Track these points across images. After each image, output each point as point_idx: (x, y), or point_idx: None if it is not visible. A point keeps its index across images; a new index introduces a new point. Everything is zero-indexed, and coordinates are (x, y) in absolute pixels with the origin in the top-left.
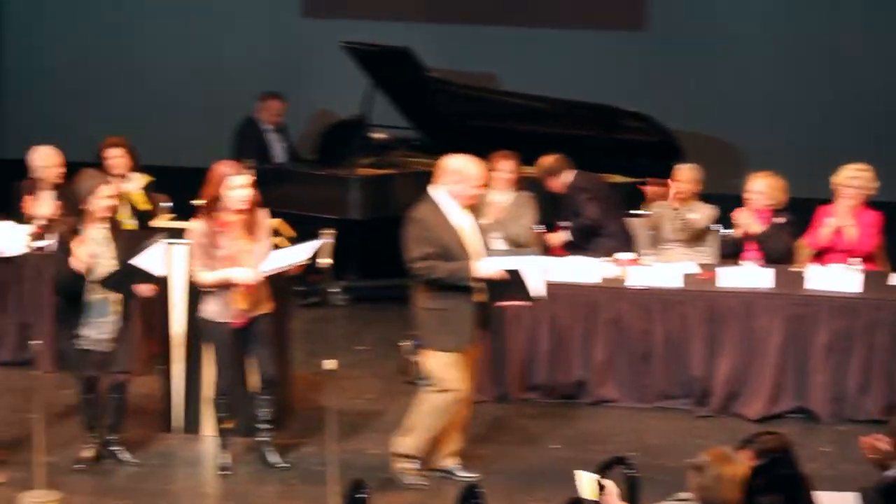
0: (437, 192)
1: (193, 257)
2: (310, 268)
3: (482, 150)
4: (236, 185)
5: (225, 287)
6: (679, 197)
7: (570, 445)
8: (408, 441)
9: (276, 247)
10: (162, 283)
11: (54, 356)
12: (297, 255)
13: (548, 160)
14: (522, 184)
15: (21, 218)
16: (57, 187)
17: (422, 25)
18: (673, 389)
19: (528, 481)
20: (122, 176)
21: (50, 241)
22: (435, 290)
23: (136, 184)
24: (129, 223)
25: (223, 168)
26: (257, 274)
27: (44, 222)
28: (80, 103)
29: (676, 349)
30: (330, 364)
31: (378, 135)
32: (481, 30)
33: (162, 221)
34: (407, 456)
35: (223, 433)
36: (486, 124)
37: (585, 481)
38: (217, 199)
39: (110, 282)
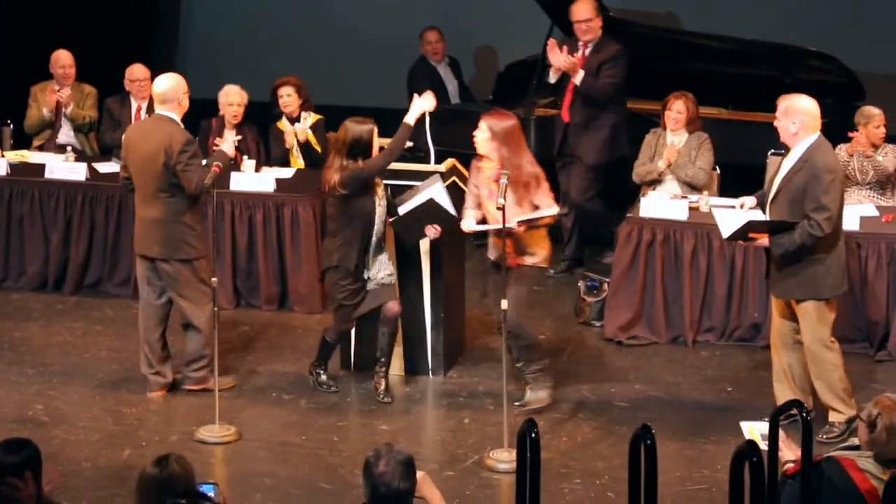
0: None
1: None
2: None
3: (660, 90)
4: None
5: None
6: (870, 140)
7: (744, 388)
8: None
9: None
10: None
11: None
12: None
13: None
14: (697, 124)
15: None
16: (237, 126)
17: None
18: (851, 333)
19: (702, 423)
20: (295, 117)
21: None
22: None
23: (305, 123)
24: (300, 162)
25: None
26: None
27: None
28: (261, 44)
29: (855, 292)
30: (504, 304)
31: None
32: None
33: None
34: None
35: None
36: (664, 65)
37: (752, 431)
38: None
39: (403, 222)
